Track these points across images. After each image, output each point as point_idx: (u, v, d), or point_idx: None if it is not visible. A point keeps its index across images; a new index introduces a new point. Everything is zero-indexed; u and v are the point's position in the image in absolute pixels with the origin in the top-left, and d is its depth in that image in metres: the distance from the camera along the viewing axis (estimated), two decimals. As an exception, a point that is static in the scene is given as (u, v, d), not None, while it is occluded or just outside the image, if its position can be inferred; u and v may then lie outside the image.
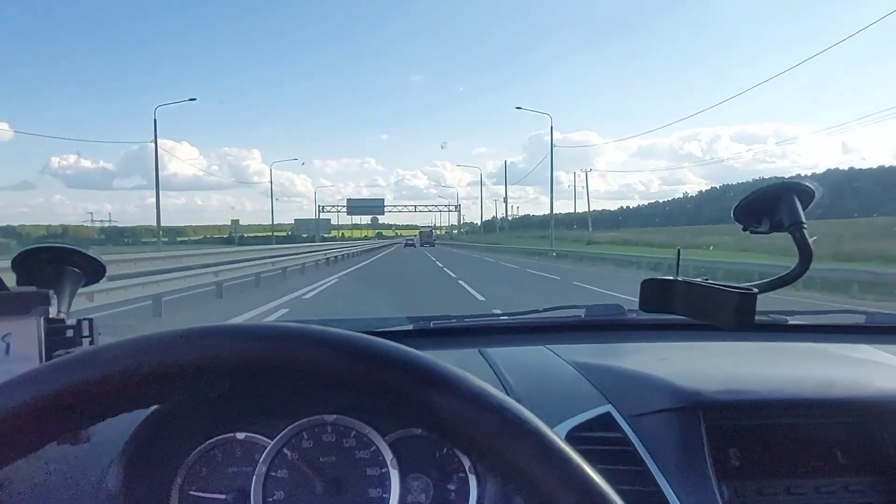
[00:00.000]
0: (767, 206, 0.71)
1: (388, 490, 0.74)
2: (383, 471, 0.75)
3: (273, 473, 0.74)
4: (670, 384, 0.77)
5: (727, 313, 0.65)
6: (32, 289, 0.61)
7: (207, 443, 0.74)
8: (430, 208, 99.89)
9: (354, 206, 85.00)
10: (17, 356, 0.58)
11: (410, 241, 72.73)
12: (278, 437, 0.74)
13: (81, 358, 0.36)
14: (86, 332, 0.60)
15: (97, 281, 0.75)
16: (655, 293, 0.73)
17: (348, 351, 0.36)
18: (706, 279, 0.71)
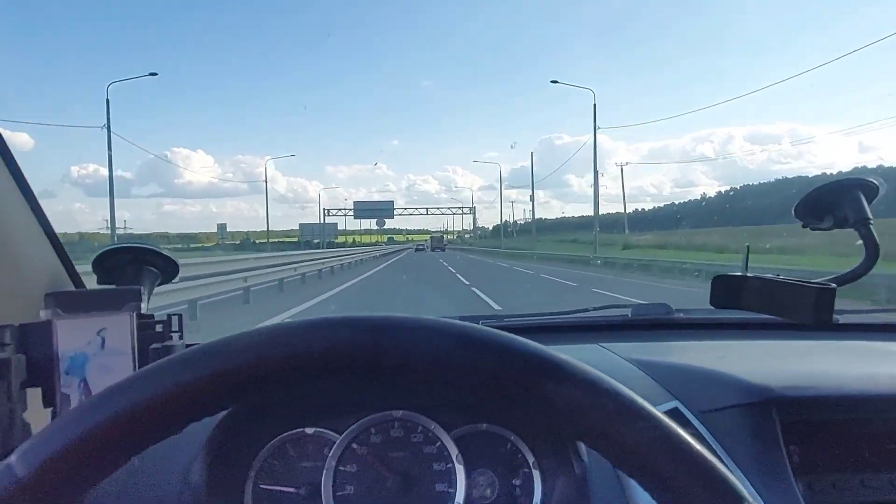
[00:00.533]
0: (831, 202, 0.71)
1: (454, 485, 0.74)
2: (449, 466, 0.75)
3: (342, 468, 0.75)
4: (740, 380, 0.78)
5: (805, 309, 0.65)
6: (124, 287, 0.63)
7: (279, 437, 0.76)
8: (444, 211, 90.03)
9: (362, 210, 78.65)
10: (112, 350, 0.60)
11: (421, 247, 73.06)
12: (347, 432, 0.76)
13: (210, 350, 0.37)
14: (175, 327, 0.62)
15: (172, 279, 0.78)
16: (727, 290, 0.73)
17: (471, 341, 0.37)
18: (778, 275, 0.71)
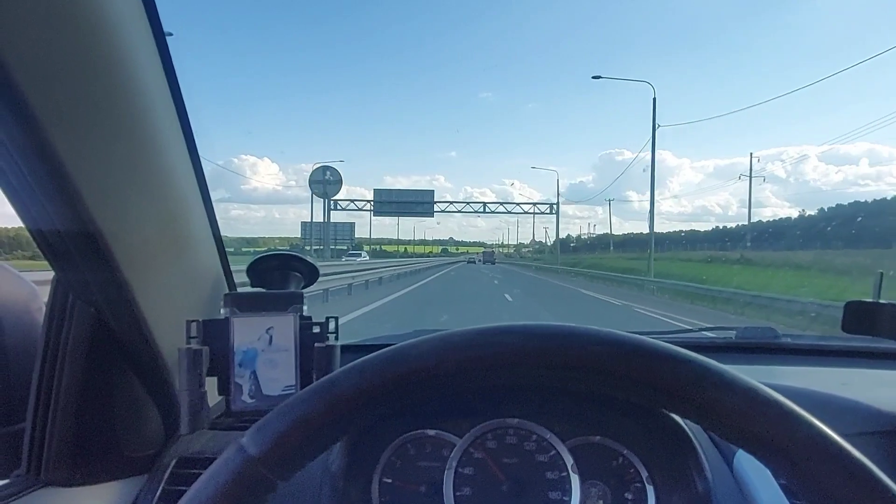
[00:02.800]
0: None
1: (567, 493, 0.77)
2: (563, 475, 0.78)
3: (461, 470, 0.79)
4: (870, 407, 0.77)
5: None
6: (289, 291, 0.71)
7: (402, 437, 0.81)
8: (509, 208, 57.79)
9: (387, 203, 51.13)
10: (278, 346, 0.67)
11: (472, 259, 73.77)
12: (466, 436, 0.80)
13: (402, 352, 0.42)
14: (332, 328, 0.69)
15: (314, 282, 0.85)
16: (860, 316, 0.73)
17: (633, 350, 0.41)
18: None
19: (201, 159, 0.71)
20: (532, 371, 0.42)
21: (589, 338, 0.42)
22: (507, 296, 16.05)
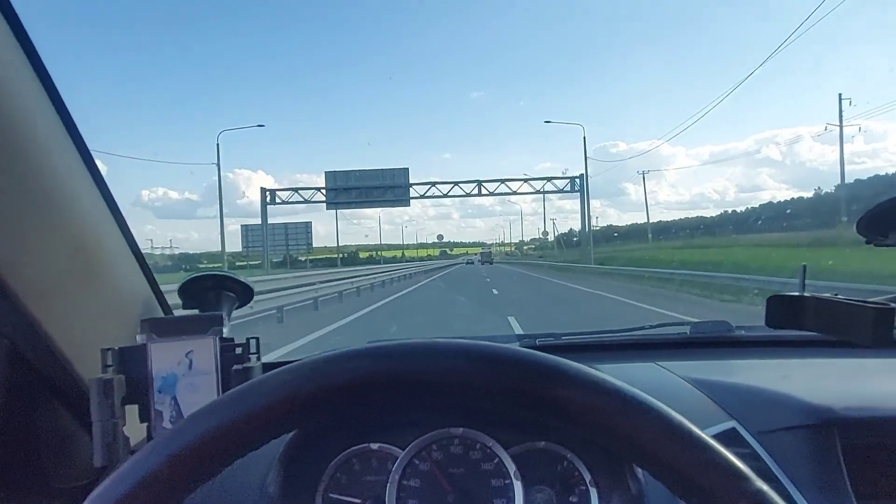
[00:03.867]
0: None
1: (512, 501, 0.76)
2: (507, 482, 0.78)
3: (405, 482, 0.79)
4: (801, 401, 0.77)
5: (863, 329, 0.64)
6: (209, 314, 0.70)
7: (345, 452, 0.80)
8: (514, 186, 36.86)
9: (341, 192, 34.42)
10: (198, 370, 0.67)
11: (470, 260, 73.57)
12: (409, 448, 0.79)
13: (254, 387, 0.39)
14: (253, 350, 0.68)
15: (248, 303, 0.84)
16: (783, 309, 0.72)
17: (496, 360, 0.39)
18: (836, 294, 0.70)
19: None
20: (386, 394, 0.39)
21: (438, 352, 0.40)
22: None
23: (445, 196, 36.85)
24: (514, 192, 37.61)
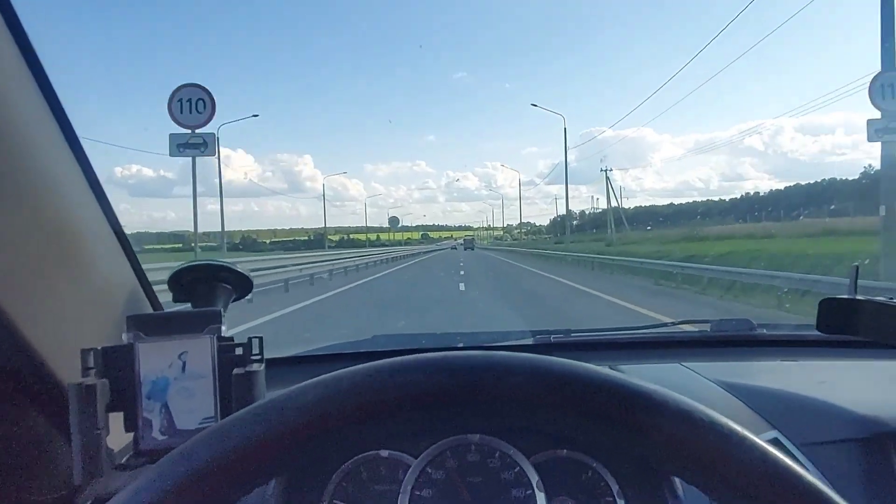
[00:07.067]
0: None
1: None
2: (528, 492, 0.72)
3: (418, 492, 0.73)
4: (848, 411, 0.72)
5: None
6: (205, 309, 0.62)
7: (352, 460, 0.74)
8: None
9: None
10: (193, 373, 0.59)
11: (454, 246, 75.58)
12: (422, 456, 0.73)
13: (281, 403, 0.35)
14: (255, 350, 0.61)
15: (246, 295, 0.77)
16: (837, 313, 0.67)
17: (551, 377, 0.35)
18: (892, 298, 0.64)
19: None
20: (438, 412, 0.36)
21: (506, 368, 0.35)
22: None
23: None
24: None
